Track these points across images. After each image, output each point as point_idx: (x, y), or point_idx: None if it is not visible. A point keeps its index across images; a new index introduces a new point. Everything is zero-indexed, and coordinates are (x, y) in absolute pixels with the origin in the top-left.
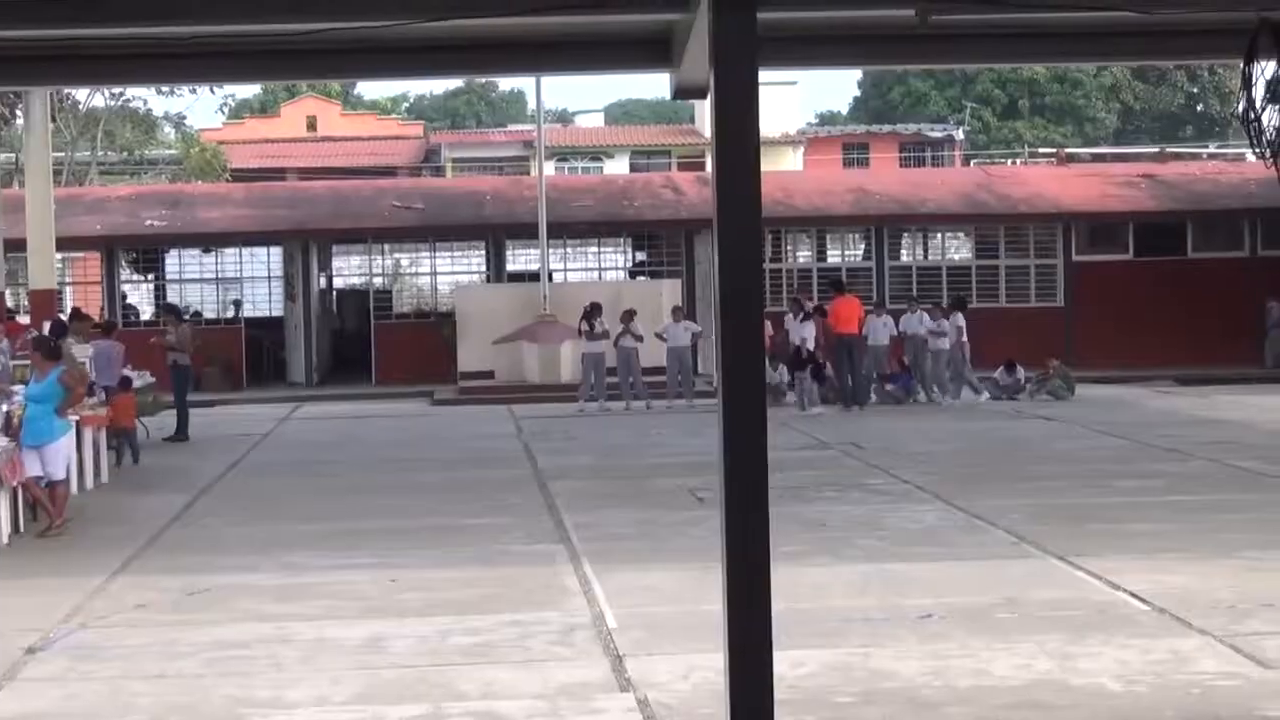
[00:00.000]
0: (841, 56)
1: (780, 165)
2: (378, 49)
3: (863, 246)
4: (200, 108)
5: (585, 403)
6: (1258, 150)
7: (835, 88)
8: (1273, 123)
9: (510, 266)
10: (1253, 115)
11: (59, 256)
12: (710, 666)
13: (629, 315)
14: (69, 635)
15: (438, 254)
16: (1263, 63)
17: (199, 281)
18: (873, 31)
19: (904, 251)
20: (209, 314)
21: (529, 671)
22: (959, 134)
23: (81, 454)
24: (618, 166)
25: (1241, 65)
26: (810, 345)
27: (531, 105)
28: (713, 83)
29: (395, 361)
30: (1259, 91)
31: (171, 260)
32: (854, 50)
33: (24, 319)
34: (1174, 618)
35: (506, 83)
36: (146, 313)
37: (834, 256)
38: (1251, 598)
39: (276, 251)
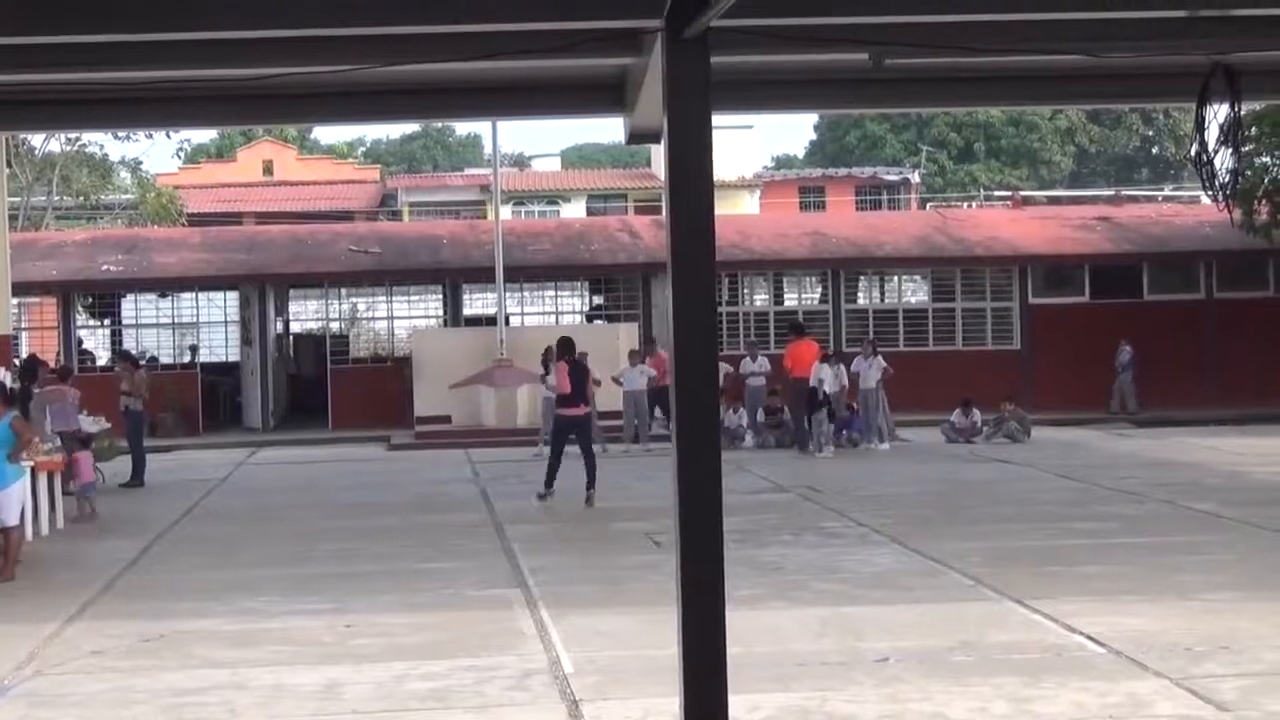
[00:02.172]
0: (796, 100)
1: (737, 208)
2: (334, 93)
3: (819, 289)
4: (156, 152)
5: (543, 446)
6: (1211, 192)
7: (792, 131)
8: (1225, 165)
9: (467, 310)
10: (1205, 158)
11: (14, 302)
12: (667, 711)
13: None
14: (23, 682)
15: (394, 298)
16: (1215, 106)
17: (155, 326)
18: (827, 75)
19: (861, 294)
20: (165, 359)
21: (485, 717)
22: (915, 177)
23: (36, 500)
24: (574, 210)
25: (1195, 108)
26: (829, 387)
27: (488, 149)
28: (666, 127)
29: (352, 406)
30: (1212, 134)
31: (128, 305)
32: (809, 94)
33: None
34: (1131, 660)
35: (463, 127)
36: (103, 358)
37: (791, 299)
38: (1208, 640)
39: (233, 296)
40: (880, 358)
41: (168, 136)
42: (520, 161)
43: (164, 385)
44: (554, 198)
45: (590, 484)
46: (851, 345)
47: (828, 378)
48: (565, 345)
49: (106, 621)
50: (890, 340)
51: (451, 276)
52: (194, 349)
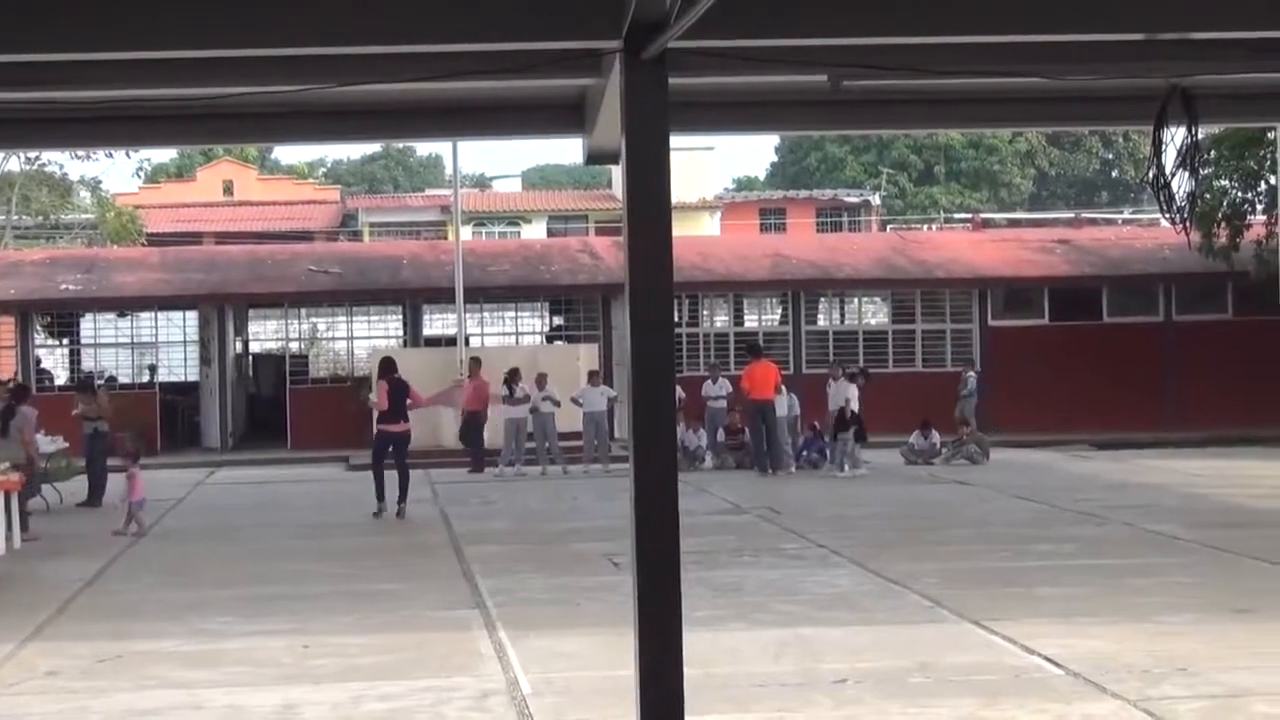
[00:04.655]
0: (756, 121)
1: (697, 230)
2: (294, 113)
3: (780, 311)
4: (116, 172)
5: (504, 467)
6: (1169, 216)
7: (752, 153)
8: (1183, 188)
9: (427, 331)
10: (1163, 181)
11: None
12: None
13: (541, 379)
14: None
15: (354, 318)
16: (1173, 129)
17: (114, 346)
18: (787, 97)
19: (821, 316)
20: (124, 378)
21: None
22: (875, 199)
23: None
24: (535, 231)
25: (1152, 131)
26: (855, 406)
27: (449, 170)
28: (624, 147)
29: (311, 426)
30: (1169, 157)
31: (86, 324)
32: (768, 115)
33: None
34: (1088, 682)
35: (424, 147)
36: (61, 377)
37: (751, 321)
38: (1165, 662)
39: (192, 316)
40: (846, 380)
41: (128, 156)
42: (481, 182)
43: (123, 405)
44: (515, 218)
45: (401, 498)
46: (811, 366)
47: (778, 405)
48: (385, 365)
49: (62, 642)
50: (850, 362)
51: (411, 297)
52: (153, 369)
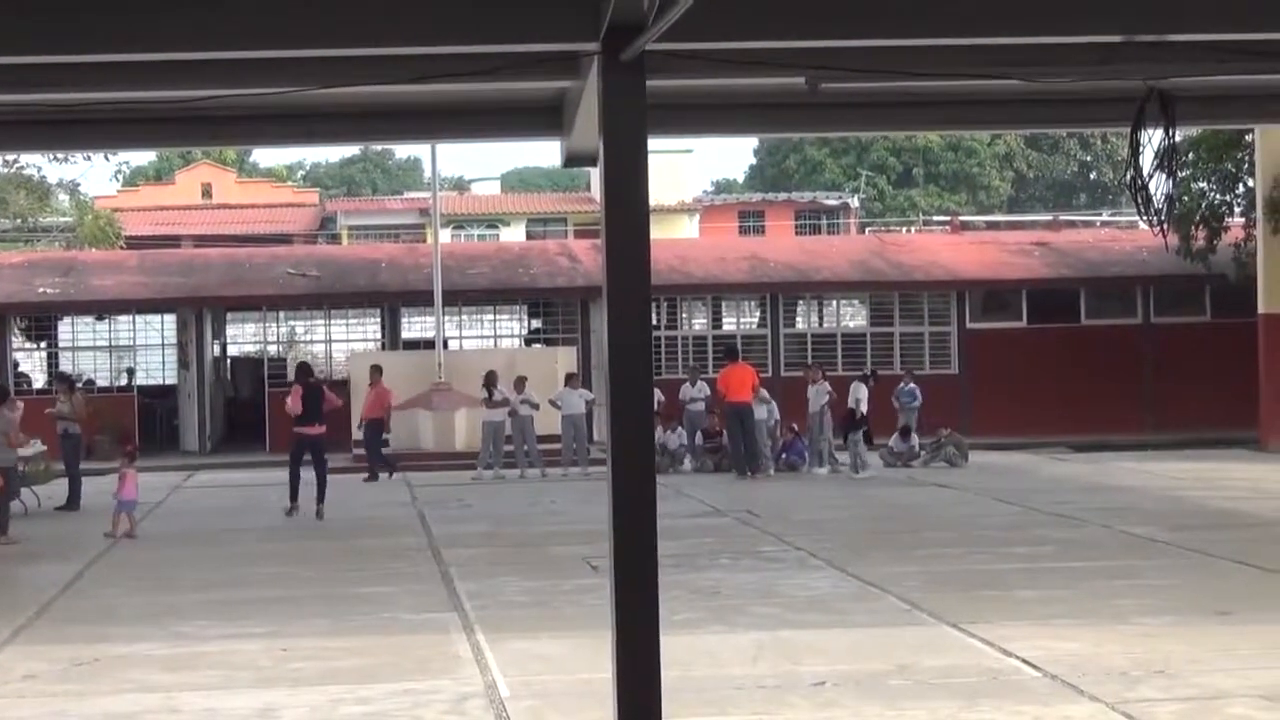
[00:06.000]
0: (734, 124)
1: (676, 233)
2: (273, 116)
3: (758, 314)
4: (95, 175)
5: (482, 470)
6: (1146, 218)
7: (731, 156)
8: (1161, 191)
9: (406, 334)
10: (1141, 183)
11: None
12: None
13: (520, 382)
14: None
15: (333, 321)
16: (1151, 131)
17: (92, 349)
18: (765, 99)
19: (799, 319)
20: (102, 382)
21: None
22: (854, 202)
23: None
24: (514, 234)
25: (1130, 133)
26: (864, 408)
27: (428, 173)
28: (602, 150)
29: (289, 429)
30: (1147, 159)
31: (64, 328)
32: (747, 117)
33: None
34: (1066, 684)
35: (403, 150)
36: (39, 381)
37: (729, 324)
38: (1143, 664)
39: (170, 319)
40: (826, 383)
41: (106, 159)
42: (460, 185)
43: (101, 408)
44: (493, 221)
45: (320, 499)
46: (790, 369)
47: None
48: (301, 369)
49: (40, 645)
50: (829, 364)
51: (390, 300)
52: (131, 372)
